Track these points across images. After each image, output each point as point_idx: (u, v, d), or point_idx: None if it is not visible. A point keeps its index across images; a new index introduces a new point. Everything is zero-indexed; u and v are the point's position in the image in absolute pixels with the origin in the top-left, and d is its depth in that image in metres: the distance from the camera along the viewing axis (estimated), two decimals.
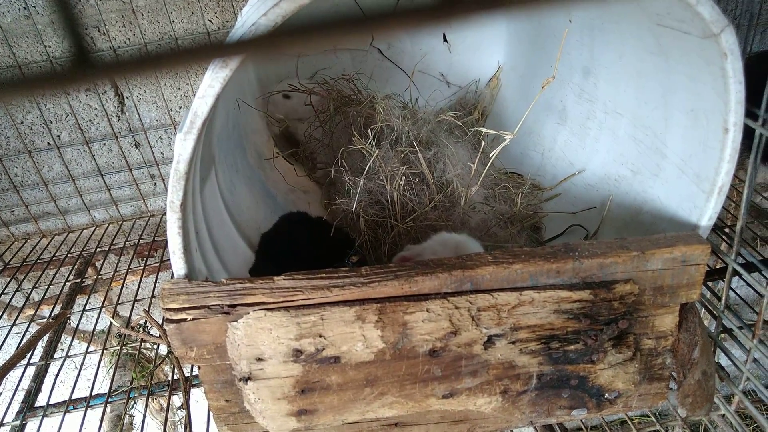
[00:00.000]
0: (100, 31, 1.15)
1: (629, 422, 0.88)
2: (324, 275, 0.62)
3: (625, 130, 0.88)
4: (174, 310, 0.61)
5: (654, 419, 0.85)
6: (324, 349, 0.63)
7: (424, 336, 0.63)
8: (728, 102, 0.63)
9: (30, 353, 0.96)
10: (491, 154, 0.93)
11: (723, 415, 0.80)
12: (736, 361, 0.77)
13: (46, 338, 1.03)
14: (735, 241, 0.72)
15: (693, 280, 0.65)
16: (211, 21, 1.19)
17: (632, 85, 0.85)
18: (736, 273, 0.76)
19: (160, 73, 0.18)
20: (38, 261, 1.27)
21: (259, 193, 1.02)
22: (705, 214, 0.70)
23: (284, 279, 0.62)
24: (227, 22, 1.20)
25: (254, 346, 0.62)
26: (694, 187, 0.71)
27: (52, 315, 1.06)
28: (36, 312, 1.13)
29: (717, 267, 1.03)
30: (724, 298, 0.76)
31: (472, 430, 0.71)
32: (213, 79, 0.54)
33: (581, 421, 0.87)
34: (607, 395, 0.69)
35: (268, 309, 0.61)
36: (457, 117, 1.10)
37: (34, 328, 1.06)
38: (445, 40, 1.26)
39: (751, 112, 0.66)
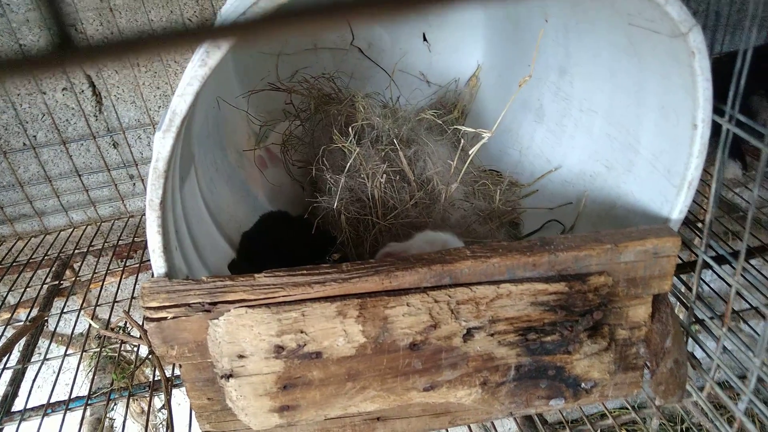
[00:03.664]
0: (77, 29, 1.15)
1: (608, 414, 0.90)
2: (305, 272, 0.63)
3: (600, 127, 0.90)
4: (154, 308, 0.61)
5: (631, 410, 0.88)
6: (305, 344, 0.63)
7: (404, 330, 0.64)
8: (697, 99, 0.65)
9: (6, 357, 0.95)
10: (470, 152, 0.94)
11: (696, 403, 0.82)
12: (707, 350, 0.79)
13: (23, 342, 1.02)
14: (704, 233, 0.74)
15: (665, 271, 0.67)
16: (190, 20, 1.19)
17: (606, 83, 0.87)
18: (707, 265, 0.78)
19: (142, 57, 0.18)
20: (14, 264, 1.25)
21: (240, 192, 1.02)
22: (676, 207, 0.72)
23: (265, 276, 0.62)
24: (206, 20, 1.20)
25: (235, 343, 0.63)
26: (665, 181, 0.73)
27: (29, 318, 1.05)
28: (12, 315, 1.12)
29: (690, 260, 1.06)
30: (695, 289, 0.78)
31: (453, 423, 0.72)
32: (192, 77, 0.55)
33: (561, 414, 0.89)
34: (583, 385, 0.70)
35: (249, 306, 0.62)
36: (437, 115, 1.11)
37: (10, 332, 1.04)
38: (425, 39, 1.28)
39: (719, 109, 0.68)
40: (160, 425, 1.61)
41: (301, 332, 0.63)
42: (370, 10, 0.21)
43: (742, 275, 0.71)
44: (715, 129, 0.68)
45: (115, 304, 1.11)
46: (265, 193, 1.06)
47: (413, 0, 0.21)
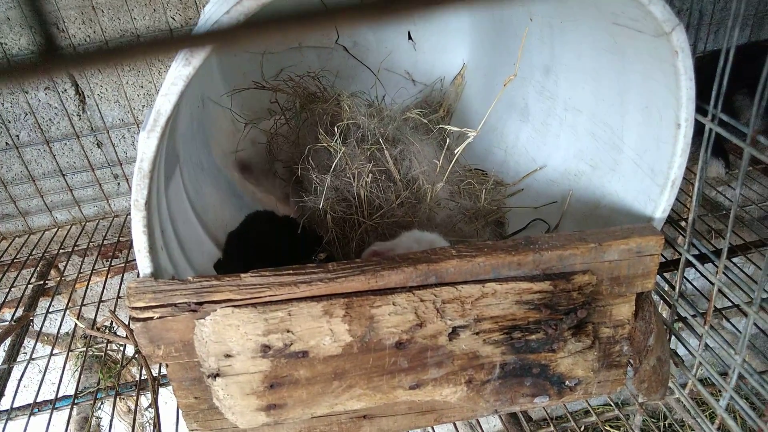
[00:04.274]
0: (59, 28, 1.13)
1: (592, 411, 0.91)
2: (291, 271, 0.63)
3: (584, 126, 0.91)
4: (140, 308, 0.61)
5: (615, 407, 0.88)
6: (292, 344, 0.63)
7: (390, 329, 0.64)
8: (680, 98, 0.66)
9: None
10: (456, 151, 0.94)
11: (678, 400, 0.83)
12: (690, 348, 0.80)
13: (8, 341, 1.01)
14: (688, 231, 0.75)
15: (648, 269, 0.68)
16: (173, 18, 1.18)
17: (591, 82, 0.87)
18: (689, 263, 0.79)
19: (126, 63, 0.18)
20: None
21: (226, 191, 1.01)
22: (659, 206, 0.72)
23: (251, 276, 0.62)
24: (190, 19, 1.19)
25: (222, 343, 0.63)
26: (648, 180, 0.74)
27: (15, 318, 1.04)
28: None
29: (674, 259, 1.07)
30: (677, 287, 0.79)
31: (438, 420, 0.73)
32: (176, 77, 0.54)
33: (546, 411, 0.90)
34: (567, 382, 0.71)
35: (235, 306, 0.62)
36: (422, 115, 1.11)
37: None
38: (410, 38, 1.28)
39: (702, 108, 0.69)
40: (147, 424, 1.60)
41: (288, 332, 0.63)
42: (355, 15, 0.21)
43: (724, 273, 0.72)
44: (698, 128, 0.69)
45: (101, 303, 1.10)
46: (251, 193, 1.06)
47: (397, 6, 0.21)
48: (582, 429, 0.88)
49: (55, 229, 1.33)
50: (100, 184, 1.30)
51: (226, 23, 0.51)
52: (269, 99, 1.13)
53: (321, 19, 0.21)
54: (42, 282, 1.17)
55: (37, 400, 0.89)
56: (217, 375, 0.64)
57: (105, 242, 1.26)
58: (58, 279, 1.20)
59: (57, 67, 0.18)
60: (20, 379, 0.97)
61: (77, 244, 1.26)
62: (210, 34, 0.20)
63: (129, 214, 1.27)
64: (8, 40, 1.12)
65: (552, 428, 0.85)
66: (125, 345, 1.04)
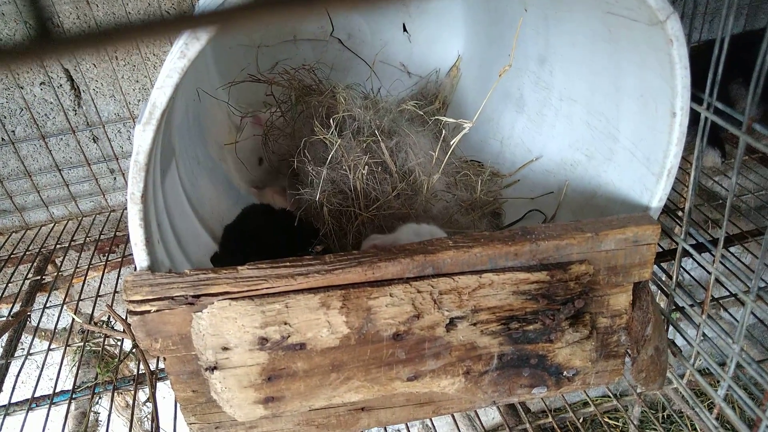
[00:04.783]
0: (53, 23, 1.13)
1: (590, 402, 0.91)
2: (288, 264, 0.63)
3: (580, 116, 0.90)
4: (137, 302, 0.61)
5: (613, 398, 0.89)
6: (289, 336, 0.63)
7: (387, 320, 0.64)
8: (675, 87, 0.66)
9: None
10: (452, 143, 0.94)
11: (676, 390, 0.83)
12: (687, 338, 0.80)
13: (5, 337, 1.01)
14: (684, 221, 0.75)
15: (645, 259, 0.68)
16: (168, 12, 1.17)
17: (586, 72, 0.87)
18: (686, 253, 0.79)
19: (120, 47, 0.18)
20: None
21: (222, 185, 1.01)
22: (655, 195, 0.72)
23: (248, 268, 0.62)
24: (184, 13, 1.18)
25: (219, 336, 0.62)
26: (644, 170, 0.74)
27: (12, 313, 1.04)
28: None
29: (670, 249, 1.07)
30: (675, 277, 0.79)
31: (436, 412, 0.73)
32: (171, 70, 0.54)
33: (545, 403, 0.90)
34: (565, 373, 0.71)
35: (232, 298, 0.62)
36: (418, 106, 1.11)
37: None
38: (405, 30, 1.27)
39: (698, 97, 0.69)
40: (145, 418, 1.60)
41: (285, 324, 0.63)
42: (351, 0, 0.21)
43: (721, 263, 0.72)
44: (694, 117, 0.69)
45: (98, 298, 1.10)
46: (247, 186, 1.06)
47: None
48: (581, 420, 0.88)
49: (52, 225, 1.32)
50: (97, 179, 1.30)
51: None
52: (265, 92, 1.13)
53: (316, 3, 0.21)
54: (39, 277, 1.16)
55: (35, 396, 0.89)
56: (215, 368, 0.64)
57: (102, 237, 1.26)
58: (55, 274, 1.20)
59: (49, 51, 0.18)
60: (18, 375, 0.96)
61: (74, 239, 1.26)
62: (205, 16, 0.20)
63: (125, 208, 1.27)
64: (3, 35, 1.12)
65: (551, 419, 0.85)
66: (123, 339, 1.04)
